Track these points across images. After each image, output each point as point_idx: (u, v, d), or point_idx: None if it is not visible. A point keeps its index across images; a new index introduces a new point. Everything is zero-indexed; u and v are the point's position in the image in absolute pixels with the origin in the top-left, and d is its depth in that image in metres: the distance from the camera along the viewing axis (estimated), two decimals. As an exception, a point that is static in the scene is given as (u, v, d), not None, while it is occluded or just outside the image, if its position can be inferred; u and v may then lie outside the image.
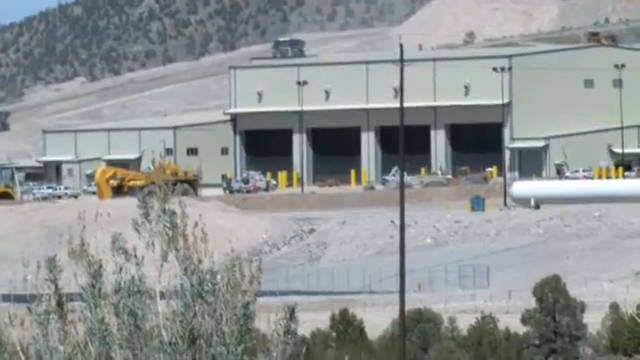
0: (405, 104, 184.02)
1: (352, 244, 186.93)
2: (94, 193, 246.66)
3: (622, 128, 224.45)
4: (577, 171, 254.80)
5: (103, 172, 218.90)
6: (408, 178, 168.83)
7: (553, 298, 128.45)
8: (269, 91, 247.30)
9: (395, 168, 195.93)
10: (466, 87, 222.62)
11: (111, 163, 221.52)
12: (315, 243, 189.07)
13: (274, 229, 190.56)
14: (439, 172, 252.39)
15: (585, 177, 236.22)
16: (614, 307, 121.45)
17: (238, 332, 11.32)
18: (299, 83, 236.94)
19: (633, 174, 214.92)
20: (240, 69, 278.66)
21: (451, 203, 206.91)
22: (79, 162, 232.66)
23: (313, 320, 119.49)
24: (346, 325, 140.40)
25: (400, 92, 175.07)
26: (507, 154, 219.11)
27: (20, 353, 14.64)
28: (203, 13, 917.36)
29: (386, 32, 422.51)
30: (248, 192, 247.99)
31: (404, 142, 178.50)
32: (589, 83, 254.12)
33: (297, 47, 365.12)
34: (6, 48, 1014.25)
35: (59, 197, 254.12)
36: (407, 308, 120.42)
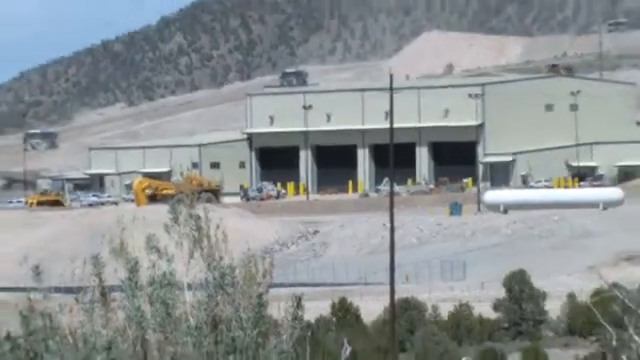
0: (394, 125, 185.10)
1: (350, 243, 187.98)
2: (132, 201, 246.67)
3: (577, 145, 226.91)
4: (539, 181, 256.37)
5: (140, 183, 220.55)
6: (397, 187, 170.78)
7: (519, 289, 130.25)
8: (279, 114, 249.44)
9: (386, 179, 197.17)
10: (446, 111, 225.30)
11: (146, 175, 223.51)
12: (318, 243, 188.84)
13: (284, 231, 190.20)
14: (423, 182, 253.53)
15: (546, 186, 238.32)
16: (571, 296, 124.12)
17: (254, 318, 11.58)
18: (304, 107, 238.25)
19: (587, 184, 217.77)
20: (255, 96, 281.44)
21: (433, 209, 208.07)
22: (119, 174, 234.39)
23: (317, 308, 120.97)
24: (345, 312, 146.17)
25: (390, 115, 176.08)
26: (480, 167, 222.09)
27: (69, 337, 14.87)
28: (224, 49, 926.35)
29: (378, 65, 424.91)
30: (262, 200, 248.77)
31: (394, 157, 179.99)
32: (549, 107, 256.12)
33: (301, 77, 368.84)
34: (57, 78, 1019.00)
35: (102, 204, 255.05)
36: (396, 297, 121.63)
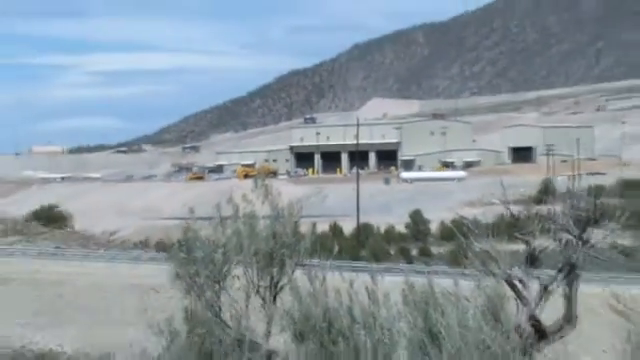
0: (360, 141, 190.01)
1: (338, 197, 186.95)
2: (236, 178, 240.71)
3: (443, 152, 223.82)
4: (425, 168, 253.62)
5: (240, 168, 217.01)
6: (361, 171, 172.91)
7: (418, 218, 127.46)
8: (305, 137, 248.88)
9: (355, 167, 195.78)
10: (383, 135, 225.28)
11: (243, 165, 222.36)
12: (323, 196, 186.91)
13: (306, 191, 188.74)
14: (373, 168, 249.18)
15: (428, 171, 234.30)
16: (442, 222, 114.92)
17: (293, 230, 9.75)
18: (317, 133, 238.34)
19: (449, 169, 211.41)
20: (293, 129, 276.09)
21: (378, 181, 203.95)
22: (230, 164, 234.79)
23: (320, 228, 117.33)
24: (334, 228, 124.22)
25: (357, 136, 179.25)
26: (399, 162, 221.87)
27: (211, 241, 10.85)
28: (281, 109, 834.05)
29: (351, 114, 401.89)
30: (297, 176, 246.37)
31: (359, 157, 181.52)
32: (432, 133, 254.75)
33: (312, 120, 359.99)
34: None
35: (221, 179, 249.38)
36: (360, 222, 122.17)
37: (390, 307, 6.00)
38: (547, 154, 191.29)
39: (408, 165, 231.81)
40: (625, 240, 67.40)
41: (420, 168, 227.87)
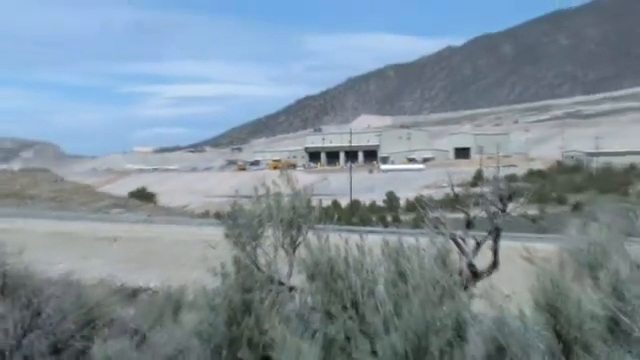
0: (353, 143, 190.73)
1: (338, 182, 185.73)
2: (273, 169, 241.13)
3: (409, 151, 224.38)
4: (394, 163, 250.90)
5: (271, 162, 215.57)
6: (354, 165, 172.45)
7: (392, 195, 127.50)
8: (314, 141, 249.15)
9: (349, 161, 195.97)
10: (368, 139, 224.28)
11: (273, 160, 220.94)
12: (326, 182, 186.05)
13: (315, 178, 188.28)
14: (361, 162, 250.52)
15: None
16: (416, 199, 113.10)
17: (307, 205, 8.77)
18: (323, 139, 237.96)
19: (412, 163, 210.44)
20: (307, 135, 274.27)
21: (365, 171, 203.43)
22: (264, 160, 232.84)
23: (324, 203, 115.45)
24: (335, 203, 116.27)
25: (350, 141, 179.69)
26: (379, 159, 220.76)
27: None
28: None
29: (345, 126, 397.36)
30: (310, 168, 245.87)
31: (353, 155, 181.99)
32: (400, 139, 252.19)
33: (319, 129, 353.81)
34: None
35: (259, 169, 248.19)
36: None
37: (373, 257, 6.10)
38: (478, 153, 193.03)
39: (384, 160, 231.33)
40: (531, 210, 68.37)
41: (392, 162, 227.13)
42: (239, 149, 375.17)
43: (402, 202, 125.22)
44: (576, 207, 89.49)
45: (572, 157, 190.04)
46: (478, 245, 7.01)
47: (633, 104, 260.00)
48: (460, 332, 5.30)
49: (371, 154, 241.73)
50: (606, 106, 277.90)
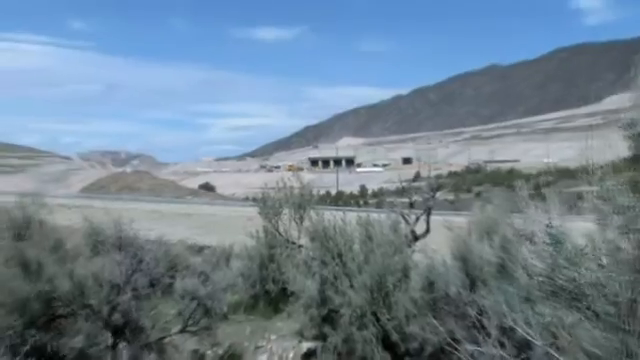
0: (339, 154, 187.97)
1: (327, 180, 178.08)
2: (288, 171, 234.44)
3: (376, 160, 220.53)
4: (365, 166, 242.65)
5: (287, 166, 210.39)
6: (340, 168, 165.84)
7: (364, 187, 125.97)
8: (314, 154, 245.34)
9: (337, 166, 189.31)
10: (351, 153, 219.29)
11: (289, 165, 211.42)
12: (321, 179, 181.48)
13: (314, 176, 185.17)
14: (344, 167, 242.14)
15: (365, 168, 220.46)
16: (379, 189, 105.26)
17: (309, 195, 8.40)
18: (319, 152, 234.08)
19: (373, 167, 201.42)
20: (309, 150, 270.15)
21: (347, 172, 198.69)
22: (283, 165, 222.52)
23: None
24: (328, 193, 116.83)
25: (337, 154, 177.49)
26: (355, 163, 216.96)
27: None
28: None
29: (333, 145, 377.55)
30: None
31: (337, 162, 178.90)
32: (372, 151, 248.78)
33: (317, 146, 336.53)
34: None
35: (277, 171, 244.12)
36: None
37: (351, 226, 6.05)
38: (417, 161, 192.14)
39: (358, 165, 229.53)
40: (449, 197, 68.03)
41: (363, 166, 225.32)
42: (267, 158, 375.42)
43: (370, 192, 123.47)
44: (478, 195, 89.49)
45: (475, 164, 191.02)
46: (417, 219, 7.02)
47: (512, 131, 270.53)
48: (406, 273, 5.34)
49: (350, 161, 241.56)
50: (496, 132, 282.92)
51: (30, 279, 5.15)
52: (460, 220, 5.67)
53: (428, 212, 7.15)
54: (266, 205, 8.54)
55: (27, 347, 4.65)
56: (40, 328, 5.03)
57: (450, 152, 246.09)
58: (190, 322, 6.13)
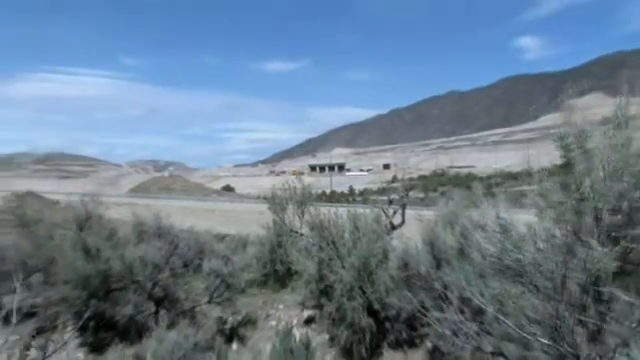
0: (333, 161, 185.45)
1: (323, 183, 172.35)
2: (292, 175, 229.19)
3: (362, 166, 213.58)
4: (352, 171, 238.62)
5: (291, 171, 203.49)
6: (333, 173, 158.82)
7: (352, 189, 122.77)
8: (312, 161, 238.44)
9: (331, 172, 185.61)
10: (342, 161, 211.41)
11: (293, 170, 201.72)
12: (318, 182, 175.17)
13: (314, 180, 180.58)
14: (337, 171, 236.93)
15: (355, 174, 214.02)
16: (364, 190, 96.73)
17: (308, 193, 7.72)
18: (316, 160, 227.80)
19: (359, 172, 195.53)
20: (309, 158, 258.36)
21: (339, 176, 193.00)
22: (288, 170, 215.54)
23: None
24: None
25: (331, 161, 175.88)
26: (346, 168, 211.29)
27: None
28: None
29: (329, 154, 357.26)
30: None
31: (331, 168, 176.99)
32: (359, 157, 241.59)
33: (315, 155, 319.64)
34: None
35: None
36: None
37: (342, 218, 6.02)
38: (395, 166, 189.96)
39: (348, 170, 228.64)
40: (420, 195, 67.33)
41: (352, 171, 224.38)
42: (275, 165, 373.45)
43: (357, 191, 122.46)
44: (442, 193, 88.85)
45: (440, 169, 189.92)
46: (394, 212, 6.99)
47: (468, 143, 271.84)
48: (385, 255, 5.28)
49: (341, 167, 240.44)
50: (455, 144, 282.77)
51: (91, 261, 5.34)
52: (428, 213, 5.69)
53: (403, 207, 7.13)
54: (274, 202, 8.41)
55: (89, 313, 4.79)
56: (99, 299, 5.22)
57: (420, 159, 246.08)
58: (215, 295, 6.17)
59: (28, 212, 7.69)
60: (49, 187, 46.54)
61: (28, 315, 5.02)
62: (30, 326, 5.05)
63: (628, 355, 2.32)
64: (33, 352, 4.63)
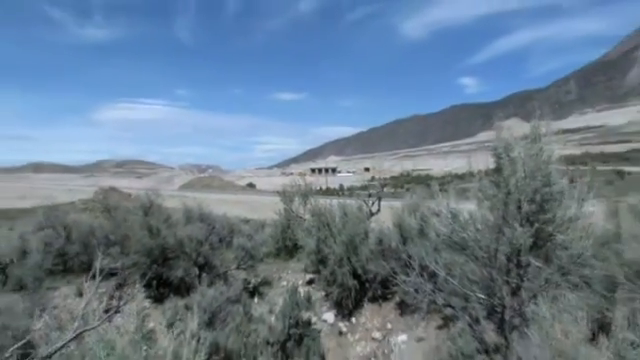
0: (327, 165, 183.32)
1: (322, 182, 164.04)
2: (298, 176, 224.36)
3: (348, 168, 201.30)
4: (342, 173, 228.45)
5: (298, 173, 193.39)
6: (327, 174, 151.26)
7: (341, 187, 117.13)
8: (312, 165, 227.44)
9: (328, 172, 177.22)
10: (335, 165, 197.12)
11: (298, 172, 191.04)
12: (317, 181, 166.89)
13: (314, 180, 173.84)
14: (332, 172, 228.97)
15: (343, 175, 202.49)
16: (351, 187, 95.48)
17: (309, 188, 6.81)
18: (315, 164, 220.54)
19: (346, 173, 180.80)
20: (311, 164, 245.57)
21: (332, 177, 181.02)
22: (295, 172, 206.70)
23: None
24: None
25: (326, 165, 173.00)
26: (337, 170, 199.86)
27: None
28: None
29: (325, 159, 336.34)
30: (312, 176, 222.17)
31: (326, 171, 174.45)
32: (344, 161, 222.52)
33: (314, 161, 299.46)
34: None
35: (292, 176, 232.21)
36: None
37: (334, 207, 5.94)
38: (373, 169, 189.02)
39: (339, 172, 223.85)
40: (391, 190, 66.43)
41: (341, 173, 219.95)
42: (285, 168, 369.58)
43: (345, 187, 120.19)
44: (407, 189, 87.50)
45: (406, 172, 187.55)
46: (373, 203, 6.94)
47: (427, 152, 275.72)
48: (366, 234, 5.14)
49: (334, 170, 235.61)
50: (417, 153, 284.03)
51: (153, 237, 5.48)
52: (397, 204, 5.68)
53: (379, 199, 7.08)
54: (285, 195, 8.23)
55: (152, 275, 5.15)
56: (158, 264, 5.37)
57: (391, 164, 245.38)
58: (241, 263, 6.19)
59: (110, 202, 8.12)
60: (125, 184, 47.58)
61: (110, 274, 5.21)
62: (111, 283, 5.31)
63: (536, 304, 2.44)
64: (114, 301, 4.89)
